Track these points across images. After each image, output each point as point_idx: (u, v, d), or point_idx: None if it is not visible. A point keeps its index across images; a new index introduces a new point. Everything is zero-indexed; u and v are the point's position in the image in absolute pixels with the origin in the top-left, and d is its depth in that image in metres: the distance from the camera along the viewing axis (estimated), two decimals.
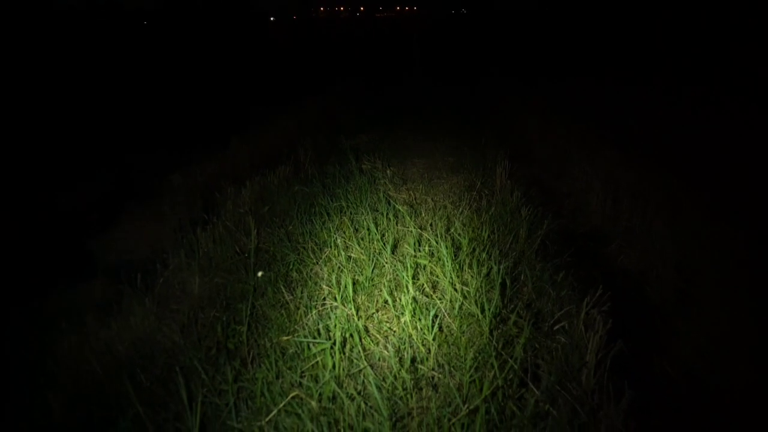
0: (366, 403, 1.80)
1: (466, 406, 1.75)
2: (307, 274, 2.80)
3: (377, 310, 2.42)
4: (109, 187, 5.01)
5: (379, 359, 2.08)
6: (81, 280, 3.24)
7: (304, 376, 1.97)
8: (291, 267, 2.88)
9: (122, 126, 7.61)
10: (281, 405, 1.79)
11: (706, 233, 3.15)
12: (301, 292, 2.59)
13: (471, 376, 1.87)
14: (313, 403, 1.76)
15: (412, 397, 1.85)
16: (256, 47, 24.07)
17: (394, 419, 1.75)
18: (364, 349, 2.12)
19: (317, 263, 2.89)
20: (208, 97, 9.73)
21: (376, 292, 2.57)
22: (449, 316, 2.27)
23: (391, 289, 2.51)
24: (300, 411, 1.76)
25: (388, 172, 4.33)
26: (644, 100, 7.45)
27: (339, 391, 1.83)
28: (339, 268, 2.75)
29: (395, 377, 1.93)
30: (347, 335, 2.15)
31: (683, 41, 14.47)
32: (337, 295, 2.44)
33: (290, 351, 2.13)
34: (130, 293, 2.67)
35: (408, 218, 3.17)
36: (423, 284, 2.55)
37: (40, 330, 2.56)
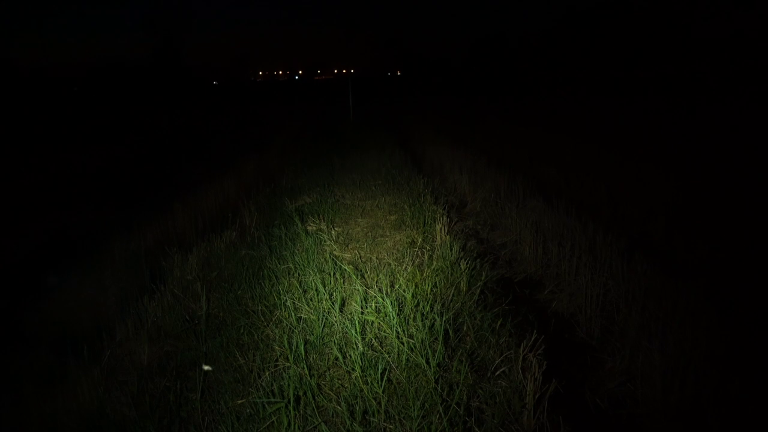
0: None
1: None
2: (258, 337, 2.86)
3: (328, 368, 2.52)
4: (42, 250, 4.82)
5: (332, 415, 2.17)
6: (18, 352, 3.10)
7: None
8: (242, 331, 2.94)
9: (49, 184, 7.39)
10: None
11: (622, 272, 3.48)
12: (254, 355, 2.66)
13: (419, 423, 2.00)
14: None
15: None
16: (196, 110, 24.10)
17: None
18: (317, 406, 2.21)
19: (268, 326, 2.97)
20: (146, 159, 9.65)
21: (326, 350, 2.67)
22: (397, 369, 2.41)
23: (341, 346, 2.63)
24: None
25: (333, 232, 4.50)
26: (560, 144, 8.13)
27: None
28: (290, 329, 2.84)
29: (348, 431, 2.03)
30: (300, 393, 2.24)
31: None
32: (289, 356, 2.53)
33: (246, 413, 2.19)
34: (75, 365, 2.63)
35: (354, 277, 3.32)
36: (371, 339, 2.68)
37: None
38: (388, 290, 3.08)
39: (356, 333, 2.63)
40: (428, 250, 4.03)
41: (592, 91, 25.46)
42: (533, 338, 2.51)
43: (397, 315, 2.76)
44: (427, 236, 4.39)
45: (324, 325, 2.87)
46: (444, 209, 5.00)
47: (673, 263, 3.78)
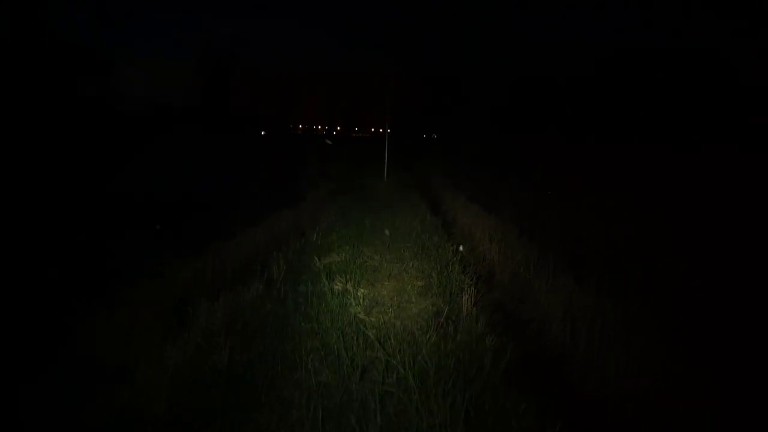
0: None
1: None
2: (276, 398, 2.83)
3: None
4: (69, 290, 4.85)
5: None
6: (35, 393, 3.09)
7: None
8: (260, 390, 2.92)
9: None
10: None
11: (658, 358, 3.34)
12: (270, 416, 2.62)
13: None
14: None
15: None
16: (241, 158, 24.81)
17: None
18: None
19: (287, 387, 2.94)
20: (186, 206, 9.90)
21: (344, 419, 2.62)
22: None
23: (359, 417, 2.58)
24: None
25: (359, 294, 4.50)
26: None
27: None
28: (309, 392, 2.81)
29: None
30: None
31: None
32: (306, 422, 2.49)
33: None
34: (90, 409, 2.64)
35: (377, 344, 3.29)
36: (390, 413, 2.62)
37: None
38: (411, 362, 3.04)
39: (375, 405, 2.58)
40: (453, 321, 3.97)
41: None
42: (558, 427, 2.42)
43: (419, 389, 2.70)
44: (453, 306, 4.35)
45: (343, 392, 2.83)
46: (471, 279, 4.96)
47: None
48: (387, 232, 7.27)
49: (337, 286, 4.71)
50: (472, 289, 4.44)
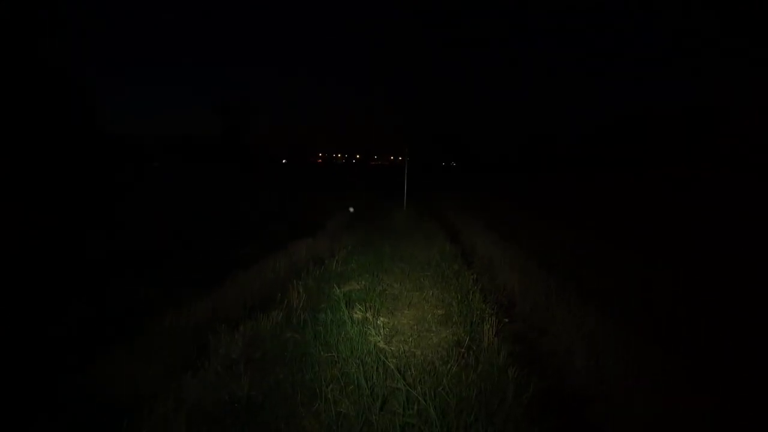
0: None
1: None
2: (295, 428, 2.80)
3: None
4: (91, 321, 4.89)
5: None
6: (53, 428, 3.08)
7: None
8: (280, 419, 2.89)
9: (112, 254, 7.67)
10: None
11: (689, 405, 3.23)
12: None
13: None
14: None
15: None
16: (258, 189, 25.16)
17: None
18: None
19: (306, 417, 2.90)
20: (205, 237, 10.00)
21: None
22: None
23: None
24: None
25: (379, 322, 4.47)
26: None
27: None
28: (328, 423, 2.77)
29: None
30: None
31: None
32: None
33: None
34: None
35: (397, 374, 3.25)
36: None
37: None
38: (432, 393, 2.99)
39: None
40: (475, 352, 3.91)
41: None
42: None
43: (440, 421, 2.65)
44: (474, 336, 4.28)
45: (363, 423, 2.78)
46: (493, 309, 4.90)
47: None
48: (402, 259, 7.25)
49: (357, 315, 4.69)
50: (493, 318, 4.37)
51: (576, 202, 19.64)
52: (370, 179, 39.74)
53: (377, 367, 3.39)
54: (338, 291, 5.36)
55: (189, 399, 3.13)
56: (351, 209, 14.29)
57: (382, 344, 4.03)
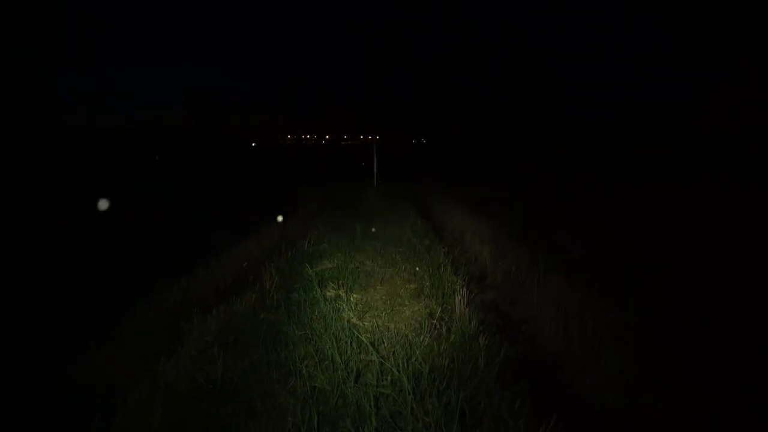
0: None
1: None
2: (272, 405, 2.83)
3: None
4: (70, 317, 4.82)
5: None
6: (30, 421, 3.05)
7: None
8: (256, 398, 2.91)
9: (84, 251, 7.52)
10: None
11: (648, 358, 3.37)
12: (266, 425, 2.62)
13: None
14: None
15: None
16: (229, 172, 24.84)
17: None
18: None
19: (282, 394, 2.93)
20: (174, 223, 9.85)
21: (340, 423, 2.62)
22: None
23: (354, 419, 2.58)
24: None
25: (351, 299, 4.50)
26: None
27: None
28: (304, 398, 2.80)
29: None
30: None
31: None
32: (301, 428, 2.49)
33: None
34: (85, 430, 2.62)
35: (371, 348, 3.30)
36: (385, 414, 2.62)
37: None
38: (405, 363, 3.05)
39: (371, 407, 2.59)
40: (447, 322, 3.99)
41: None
42: (551, 423, 2.44)
43: (413, 390, 2.71)
44: (446, 307, 4.36)
45: (338, 396, 2.83)
46: (464, 280, 4.99)
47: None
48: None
49: (330, 293, 4.71)
50: (465, 289, 4.45)
51: (552, 182, 19.93)
52: (342, 158, 39.61)
53: (351, 342, 3.44)
54: (310, 270, 5.37)
55: (163, 384, 3.12)
56: (322, 190, 14.24)
57: (355, 320, 4.07)
